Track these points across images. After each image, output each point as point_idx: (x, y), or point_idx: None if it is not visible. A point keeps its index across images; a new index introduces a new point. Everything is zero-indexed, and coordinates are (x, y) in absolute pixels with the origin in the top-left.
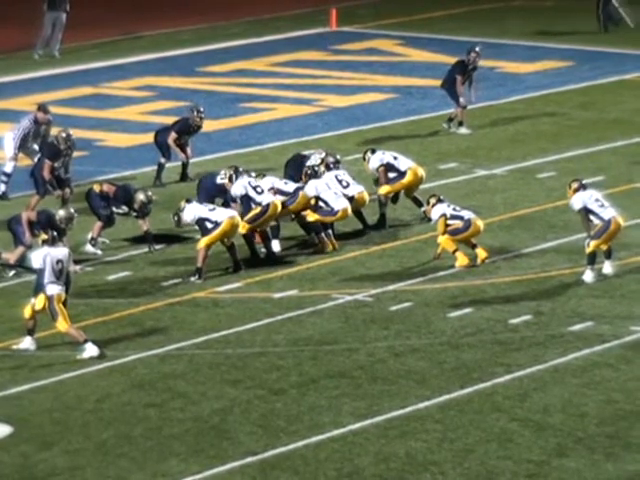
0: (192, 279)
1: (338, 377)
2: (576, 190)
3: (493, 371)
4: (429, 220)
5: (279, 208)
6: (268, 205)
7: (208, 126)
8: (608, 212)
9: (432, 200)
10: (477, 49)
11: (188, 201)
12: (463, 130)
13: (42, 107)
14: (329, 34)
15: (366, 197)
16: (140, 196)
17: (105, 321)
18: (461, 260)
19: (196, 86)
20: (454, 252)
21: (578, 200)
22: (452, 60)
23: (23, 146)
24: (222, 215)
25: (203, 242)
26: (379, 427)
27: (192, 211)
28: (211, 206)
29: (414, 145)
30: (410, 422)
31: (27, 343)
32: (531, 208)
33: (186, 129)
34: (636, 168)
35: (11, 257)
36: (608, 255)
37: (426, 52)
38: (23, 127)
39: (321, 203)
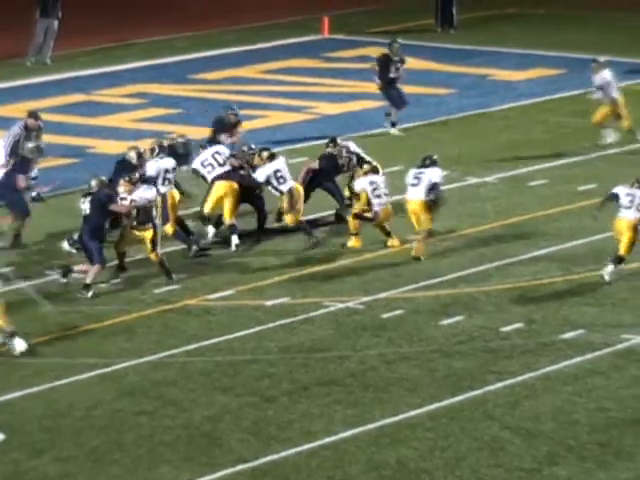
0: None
1: (329, 385)
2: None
3: (484, 379)
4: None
5: (177, 197)
6: (164, 195)
7: (200, 133)
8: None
9: (366, 167)
10: (399, 40)
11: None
12: (394, 131)
13: (32, 114)
14: (321, 41)
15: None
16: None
17: (97, 328)
18: (354, 242)
19: (188, 93)
20: (353, 234)
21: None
22: (445, 68)
23: (14, 153)
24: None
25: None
26: (370, 435)
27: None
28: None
29: (405, 153)
30: (401, 430)
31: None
32: (523, 216)
33: (221, 127)
34: (629, 175)
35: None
36: (618, 261)
37: (418, 60)
38: (13, 134)
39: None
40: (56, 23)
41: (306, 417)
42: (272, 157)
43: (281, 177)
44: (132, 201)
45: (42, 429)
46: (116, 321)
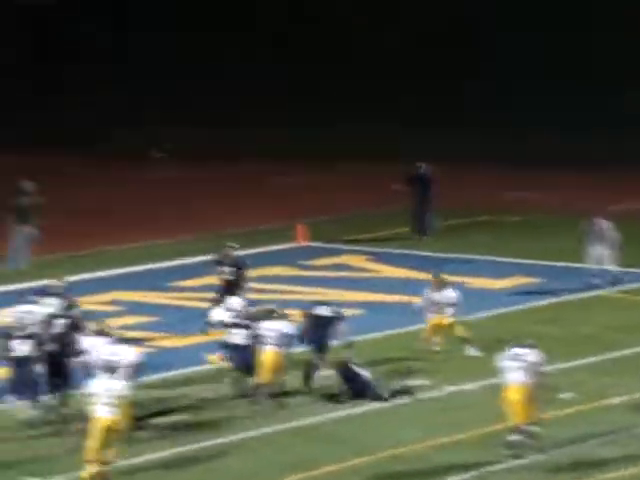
0: None
1: None
2: None
3: None
4: None
5: None
6: None
7: (177, 341)
8: None
9: None
10: (234, 245)
11: None
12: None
13: None
14: (298, 249)
15: None
16: None
17: None
18: None
19: (166, 301)
20: None
21: None
22: (421, 276)
23: None
24: None
25: None
26: None
27: None
28: None
29: (385, 363)
30: None
31: None
32: (501, 424)
33: None
34: (607, 384)
35: None
36: None
37: (395, 267)
38: None
39: None
40: (31, 229)
41: None
42: None
43: None
44: None
45: None
46: None
